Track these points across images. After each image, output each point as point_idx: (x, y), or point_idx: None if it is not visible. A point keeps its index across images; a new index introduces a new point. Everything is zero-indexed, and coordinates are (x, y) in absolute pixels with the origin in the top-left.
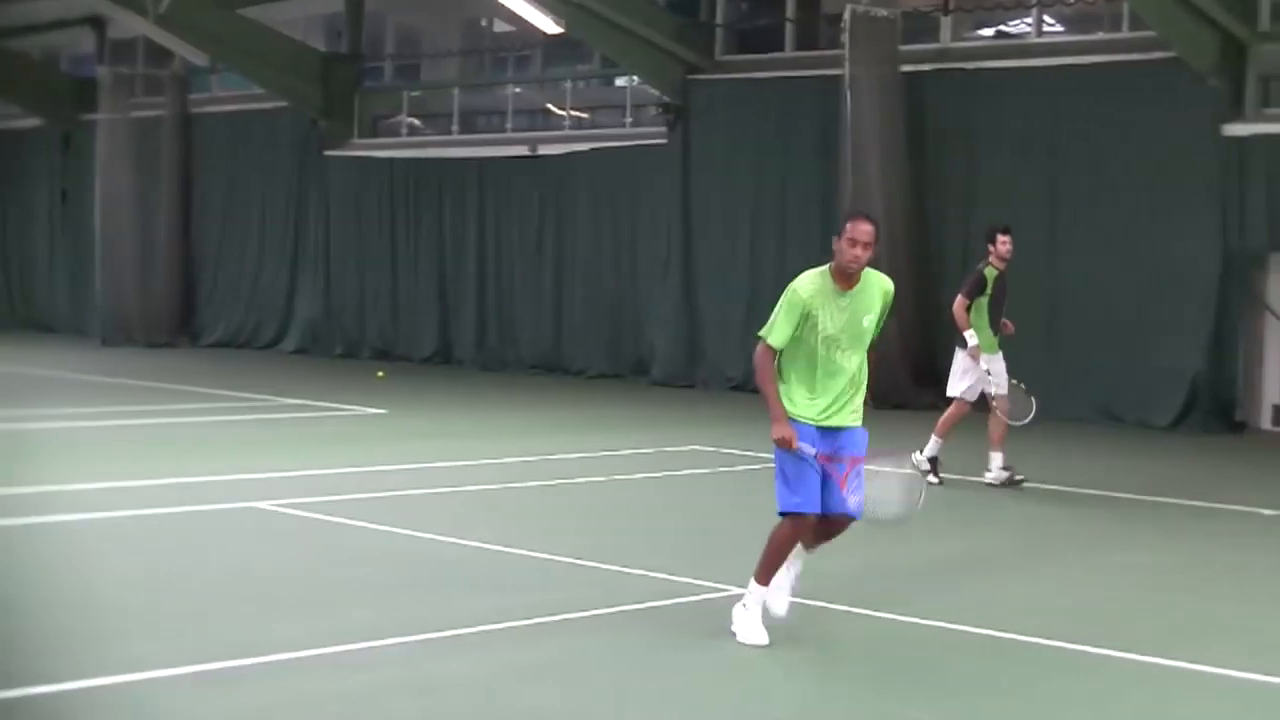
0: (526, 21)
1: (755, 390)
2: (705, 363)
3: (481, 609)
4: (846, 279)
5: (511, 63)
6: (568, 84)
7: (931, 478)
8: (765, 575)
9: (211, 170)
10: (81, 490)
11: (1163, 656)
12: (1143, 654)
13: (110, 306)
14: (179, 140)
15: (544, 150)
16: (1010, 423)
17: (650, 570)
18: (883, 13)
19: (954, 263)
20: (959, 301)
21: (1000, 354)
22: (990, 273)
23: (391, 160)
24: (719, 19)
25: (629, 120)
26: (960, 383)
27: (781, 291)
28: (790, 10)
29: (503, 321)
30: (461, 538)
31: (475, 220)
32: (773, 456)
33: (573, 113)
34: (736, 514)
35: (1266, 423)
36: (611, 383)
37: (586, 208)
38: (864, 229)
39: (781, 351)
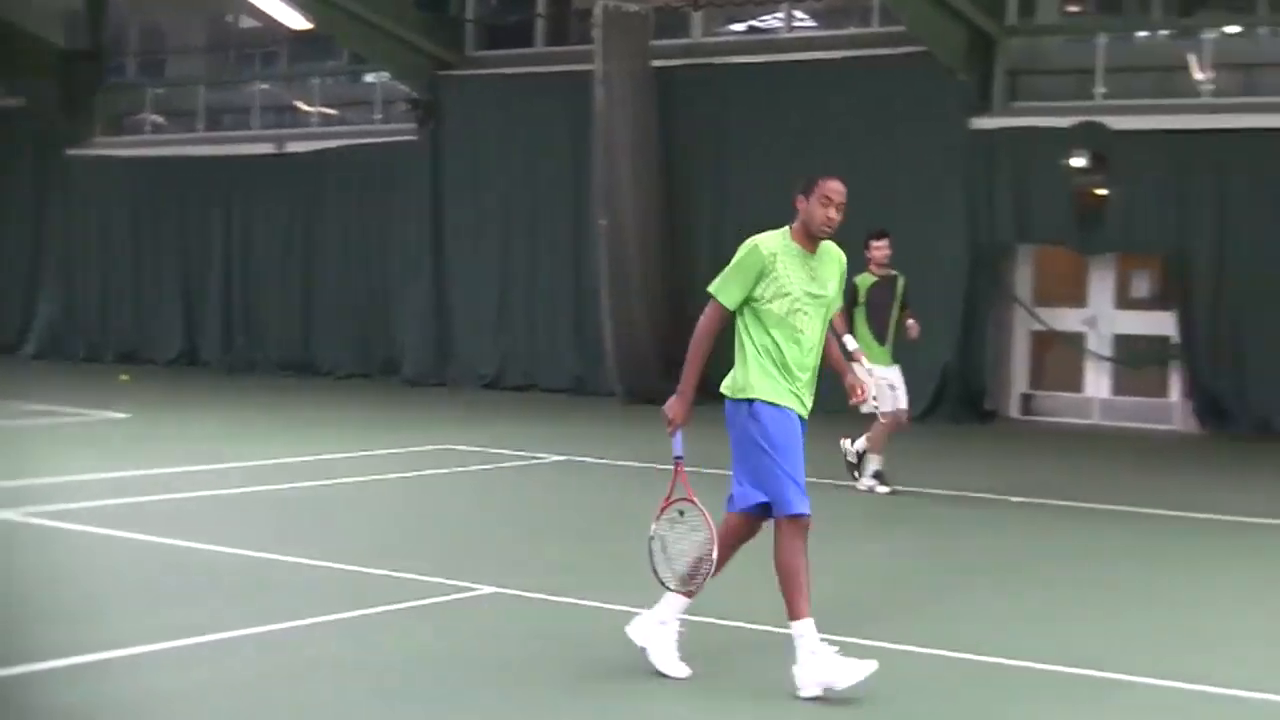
0: (272, 17)
1: (514, 387)
2: (456, 361)
3: (233, 615)
4: (811, 242)
5: (258, 59)
6: (315, 80)
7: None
8: (804, 603)
9: None
10: None
11: (915, 645)
12: (886, 641)
13: None
14: None
15: (291, 148)
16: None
17: (404, 572)
18: (634, 8)
19: (705, 258)
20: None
21: (892, 365)
22: (862, 280)
23: (135, 159)
24: (469, 14)
25: (378, 117)
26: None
27: (531, 285)
28: (541, 5)
29: (250, 322)
30: (210, 543)
31: (222, 219)
32: (522, 455)
33: (321, 110)
34: (490, 513)
35: (1015, 411)
36: (362, 383)
37: (336, 206)
38: (838, 187)
39: (747, 329)
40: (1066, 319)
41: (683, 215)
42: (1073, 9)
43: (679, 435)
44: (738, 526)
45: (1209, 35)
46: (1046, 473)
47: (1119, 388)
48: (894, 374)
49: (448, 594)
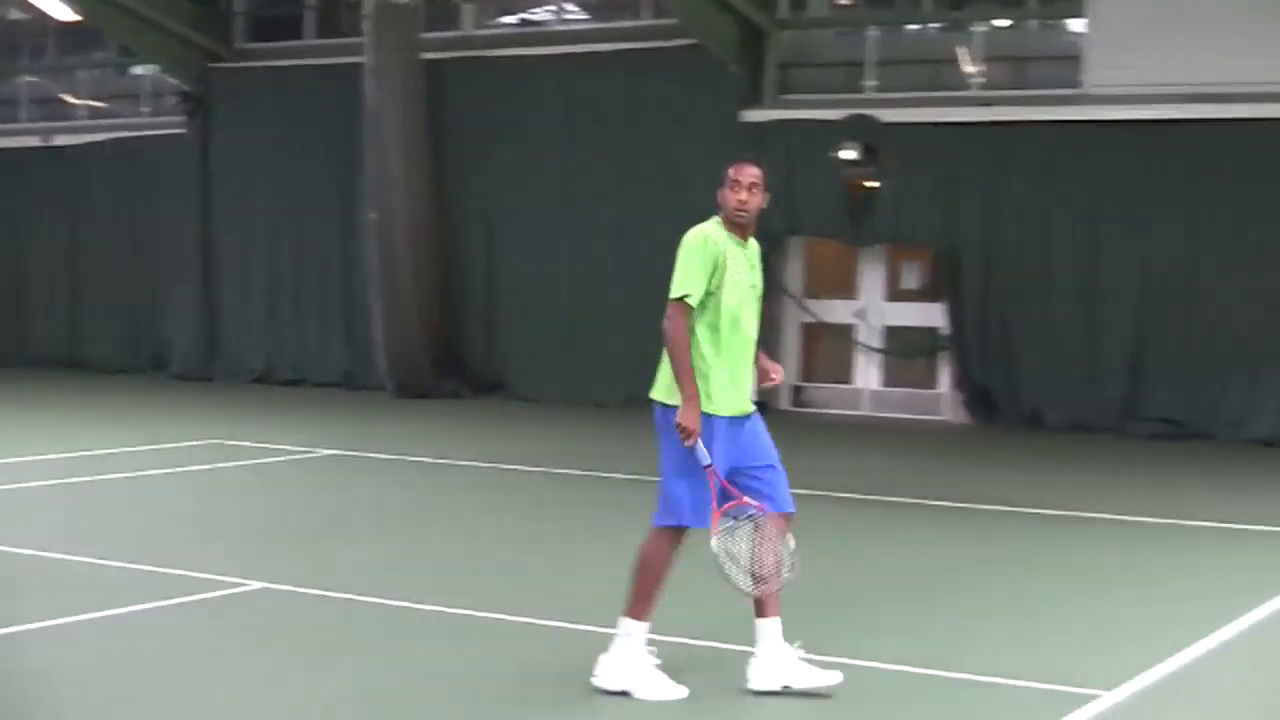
0: (40, 9)
1: (284, 382)
2: (225, 356)
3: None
4: (740, 229)
5: (26, 51)
6: (83, 73)
7: None
8: (641, 608)
9: None
10: None
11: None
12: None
13: None
14: None
15: (59, 141)
16: None
17: (172, 568)
18: (404, 0)
19: (478, 250)
20: None
21: None
22: None
23: None
24: (238, 6)
25: (147, 110)
26: None
27: (301, 279)
28: None
29: (17, 316)
30: None
31: None
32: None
33: (89, 103)
34: (260, 508)
35: (786, 404)
36: (129, 378)
37: (103, 199)
38: (748, 169)
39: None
40: (837, 311)
41: (454, 209)
42: (843, 2)
43: (700, 443)
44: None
45: (979, 28)
46: (815, 464)
47: (889, 379)
48: None
49: (216, 590)
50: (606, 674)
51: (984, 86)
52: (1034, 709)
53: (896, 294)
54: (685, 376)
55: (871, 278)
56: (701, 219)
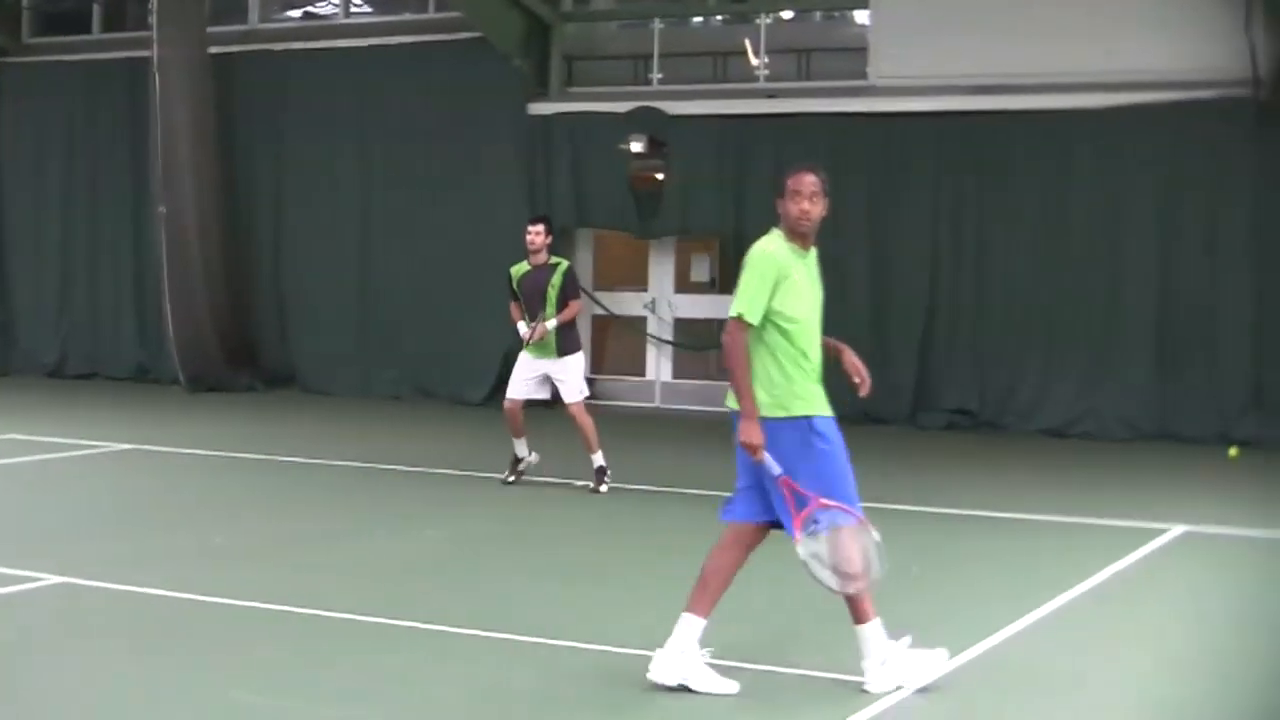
0: None
1: (78, 376)
2: (18, 350)
3: None
4: (802, 239)
5: None
6: None
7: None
8: (703, 604)
9: None
10: None
11: (474, 628)
12: (453, 626)
13: None
14: None
15: None
16: None
17: None
18: None
19: (267, 245)
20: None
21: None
22: (515, 270)
23: None
24: (25, 1)
25: None
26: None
27: (93, 273)
28: None
29: None
30: None
31: None
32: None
33: None
34: (54, 502)
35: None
36: None
37: None
38: (808, 179)
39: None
40: (627, 303)
41: (244, 202)
42: None
43: (768, 455)
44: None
45: (764, 21)
46: (609, 458)
47: (680, 371)
48: (553, 366)
49: (12, 584)
50: (662, 668)
51: (769, 79)
52: (836, 699)
53: (687, 285)
54: (744, 393)
55: (661, 270)
56: (490, 210)
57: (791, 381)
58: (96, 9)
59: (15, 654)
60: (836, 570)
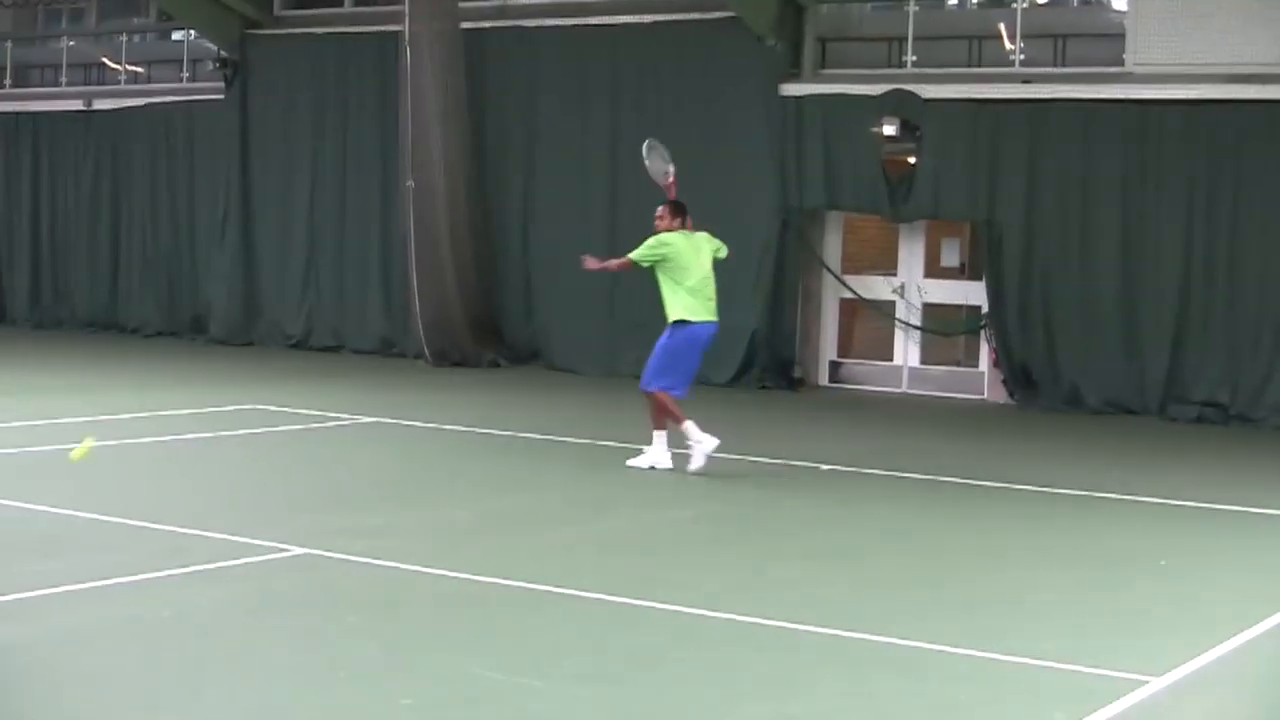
0: None
1: (322, 348)
2: (264, 321)
3: (38, 573)
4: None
5: (66, 15)
6: (123, 38)
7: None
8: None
9: None
10: None
11: (715, 610)
12: (694, 607)
13: None
14: None
15: (99, 105)
16: None
17: (212, 531)
18: None
19: (515, 222)
20: None
21: None
22: None
23: None
24: None
25: (186, 75)
26: None
27: (340, 247)
28: None
29: (57, 279)
30: (19, 500)
31: (29, 176)
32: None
33: (129, 67)
34: (300, 474)
35: (824, 379)
36: (169, 341)
37: (143, 164)
38: None
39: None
40: (876, 287)
41: (492, 178)
42: None
43: None
44: None
45: (1020, 5)
46: (855, 441)
47: (928, 356)
48: None
49: (258, 555)
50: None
51: (1024, 63)
52: (1084, 692)
53: (936, 270)
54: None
55: (911, 254)
56: (741, 191)
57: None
58: None
59: (258, 621)
60: None
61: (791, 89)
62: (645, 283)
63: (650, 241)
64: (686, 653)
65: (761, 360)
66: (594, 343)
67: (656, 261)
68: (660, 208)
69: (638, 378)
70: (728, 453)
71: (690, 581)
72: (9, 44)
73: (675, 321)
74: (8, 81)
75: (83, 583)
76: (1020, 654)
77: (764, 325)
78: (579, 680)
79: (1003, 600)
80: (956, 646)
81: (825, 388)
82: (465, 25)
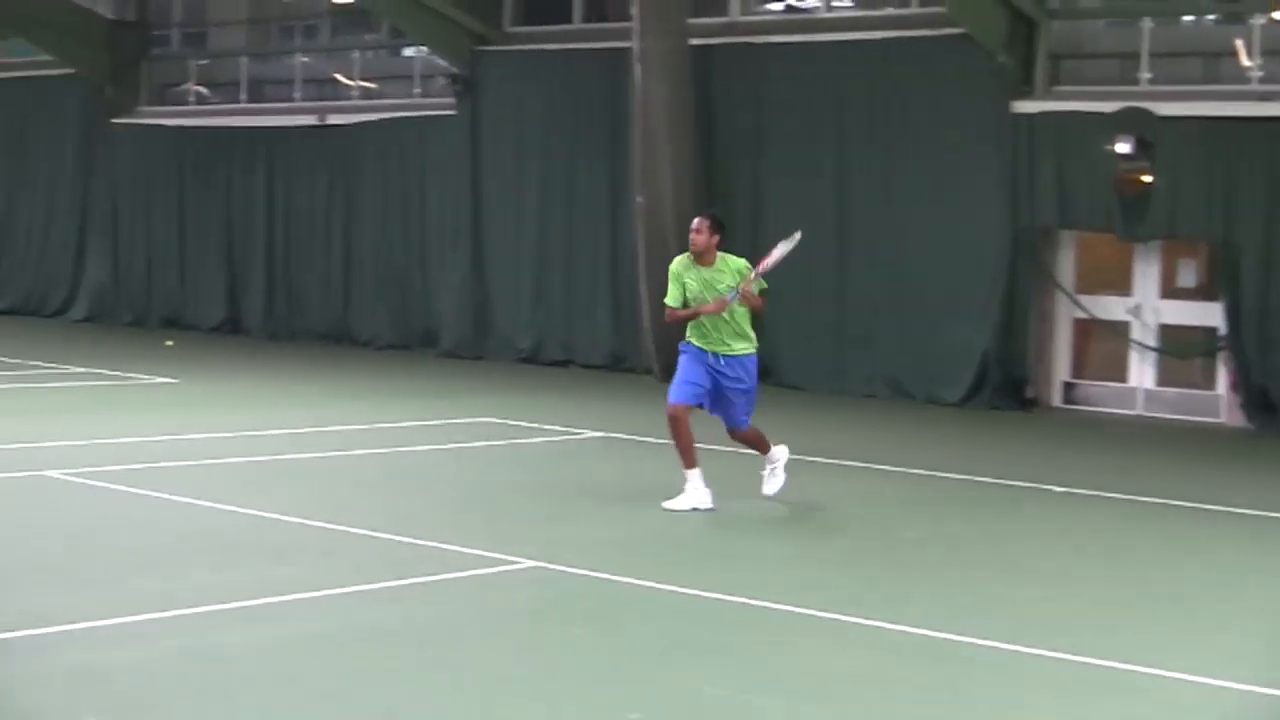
0: None
1: (552, 362)
2: (494, 335)
3: (270, 579)
4: (698, 257)
5: (299, 31)
6: (356, 54)
7: None
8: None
9: None
10: None
11: (934, 629)
12: (914, 627)
13: None
14: None
15: (332, 120)
16: None
17: (441, 542)
18: None
19: (744, 235)
20: None
21: None
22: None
23: (179, 129)
24: None
25: (417, 90)
26: None
27: (569, 261)
28: None
29: (291, 291)
30: (252, 508)
31: (264, 190)
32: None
33: (361, 83)
34: (530, 486)
35: (1057, 400)
36: (400, 354)
37: (375, 178)
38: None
39: None
40: (1110, 307)
41: (721, 193)
42: None
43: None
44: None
45: (1257, 20)
46: (1089, 463)
47: (1164, 379)
48: None
49: (489, 567)
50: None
51: (1263, 80)
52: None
53: (1172, 291)
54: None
55: (1146, 273)
56: (971, 209)
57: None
58: None
59: (485, 632)
60: None
61: (1023, 106)
62: (873, 297)
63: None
64: (911, 672)
65: (993, 380)
66: (823, 360)
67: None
68: (698, 220)
69: (868, 396)
70: (957, 473)
71: (915, 601)
72: (244, 60)
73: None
74: (243, 96)
75: (314, 591)
76: (1250, 682)
77: (996, 345)
78: (803, 698)
79: (1233, 628)
80: (1179, 672)
81: (1058, 409)
82: (694, 41)
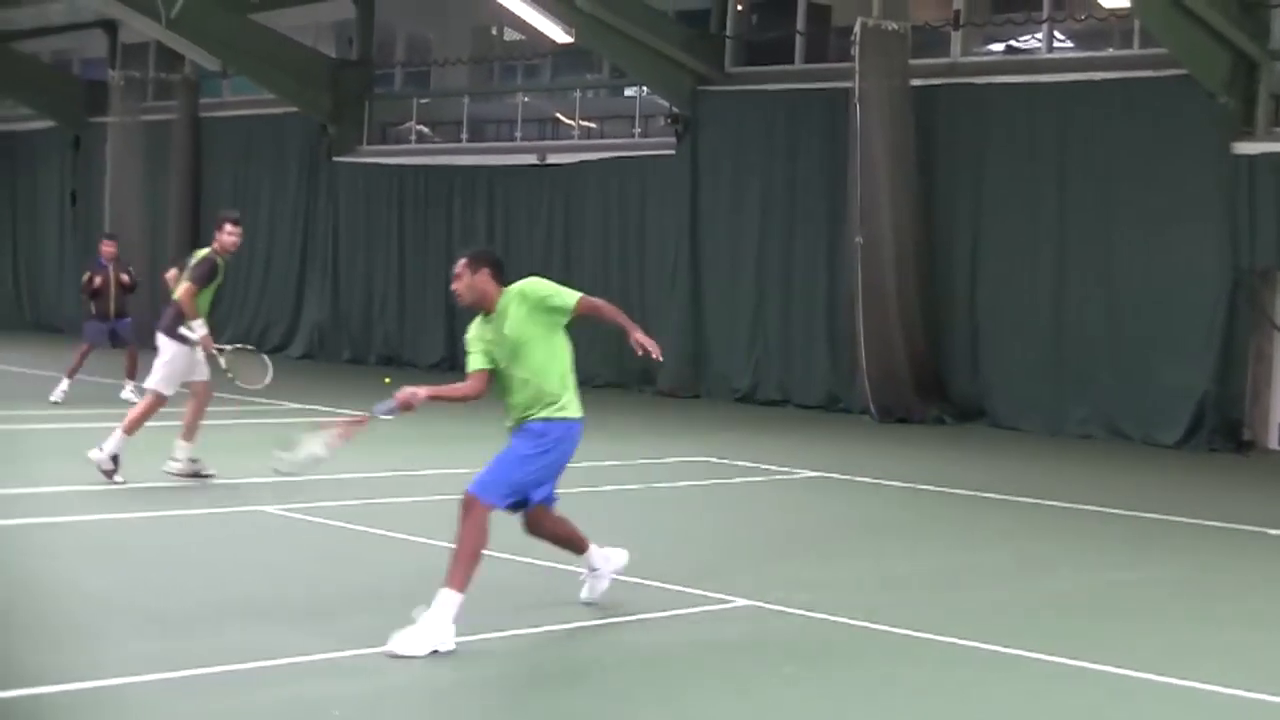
0: (536, 30)
1: (768, 402)
2: (711, 373)
3: (491, 617)
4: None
5: (521, 71)
6: (577, 93)
7: (117, 477)
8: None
9: (221, 174)
10: (76, 491)
11: (1153, 673)
12: (1132, 669)
13: None
14: (189, 144)
15: (553, 159)
16: (248, 386)
17: (656, 580)
18: (893, 26)
19: (963, 275)
20: (187, 289)
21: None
22: (220, 262)
23: (400, 167)
24: (729, 30)
25: (638, 130)
26: (158, 374)
27: (787, 301)
28: (800, 23)
29: None
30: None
31: (484, 228)
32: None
33: (582, 122)
34: (747, 526)
35: (1274, 443)
36: (617, 392)
37: (594, 217)
38: (454, 270)
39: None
40: None
41: (940, 234)
42: None
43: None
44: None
45: None
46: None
47: None
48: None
49: (701, 605)
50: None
51: None
52: None
53: None
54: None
55: None
56: (1189, 250)
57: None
58: (799, 40)
59: (696, 669)
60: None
61: (1244, 147)
62: (1090, 337)
63: None
64: (1119, 714)
65: (1210, 422)
66: (1039, 401)
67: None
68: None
69: (1084, 437)
70: (1175, 514)
71: (1127, 643)
72: (466, 99)
73: None
74: (464, 135)
75: (532, 628)
76: None
77: (1213, 386)
78: None
79: None
80: None
81: (1275, 451)
82: (915, 82)
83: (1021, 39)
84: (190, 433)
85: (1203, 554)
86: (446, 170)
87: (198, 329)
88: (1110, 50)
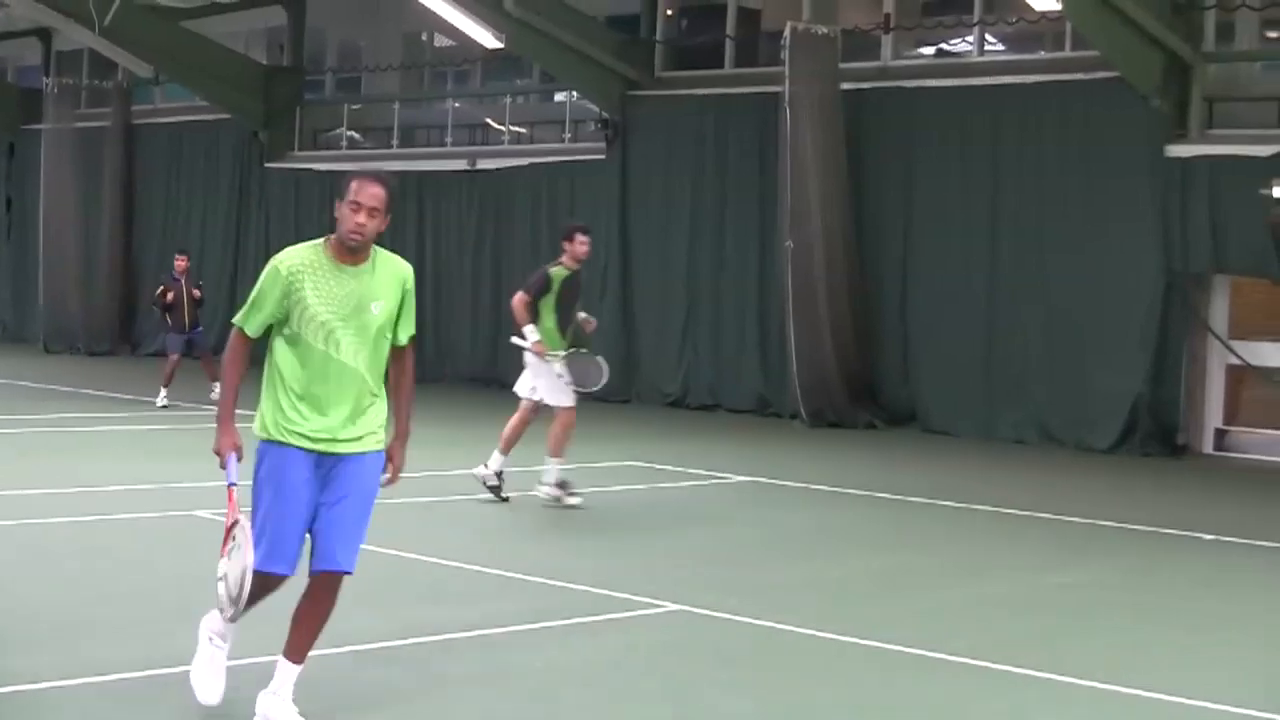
0: (466, 35)
1: (698, 406)
2: (641, 378)
3: (421, 620)
4: (349, 253)
5: (451, 77)
6: (507, 99)
7: (571, 499)
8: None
9: (154, 180)
10: (14, 495)
11: (1083, 677)
12: (1063, 674)
13: (52, 314)
14: (122, 150)
15: (483, 164)
16: (581, 389)
17: (586, 585)
18: (823, 30)
19: (892, 282)
20: (519, 297)
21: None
22: (557, 273)
23: (331, 173)
24: (659, 35)
25: (568, 135)
26: (541, 393)
27: (717, 306)
28: (730, 27)
29: (440, 335)
30: (400, 549)
31: (414, 233)
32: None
33: (512, 128)
34: (676, 530)
35: (1208, 447)
36: None
37: (525, 222)
38: (371, 191)
39: (272, 351)
40: (1265, 353)
41: (870, 237)
42: (1273, 35)
43: (233, 462)
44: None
45: None
46: (1238, 511)
47: None
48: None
49: (631, 610)
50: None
51: None
52: None
53: None
54: (222, 397)
55: None
56: (1123, 253)
57: (279, 395)
58: (730, 44)
59: (628, 675)
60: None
61: (1177, 150)
62: (1023, 342)
63: None
64: (1049, 719)
65: (1144, 426)
66: (971, 405)
67: None
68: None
69: (1017, 442)
70: (1109, 520)
71: (1058, 647)
72: (397, 105)
73: None
74: (395, 141)
75: (461, 631)
76: None
77: (1147, 390)
78: None
79: None
80: None
81: (1209, 455)
82: (845, 86)
83: (952, 42)
84: (508, 445)
85: (1135, 558)
86: None
87: (529, 335)
88: (1042, 53)
